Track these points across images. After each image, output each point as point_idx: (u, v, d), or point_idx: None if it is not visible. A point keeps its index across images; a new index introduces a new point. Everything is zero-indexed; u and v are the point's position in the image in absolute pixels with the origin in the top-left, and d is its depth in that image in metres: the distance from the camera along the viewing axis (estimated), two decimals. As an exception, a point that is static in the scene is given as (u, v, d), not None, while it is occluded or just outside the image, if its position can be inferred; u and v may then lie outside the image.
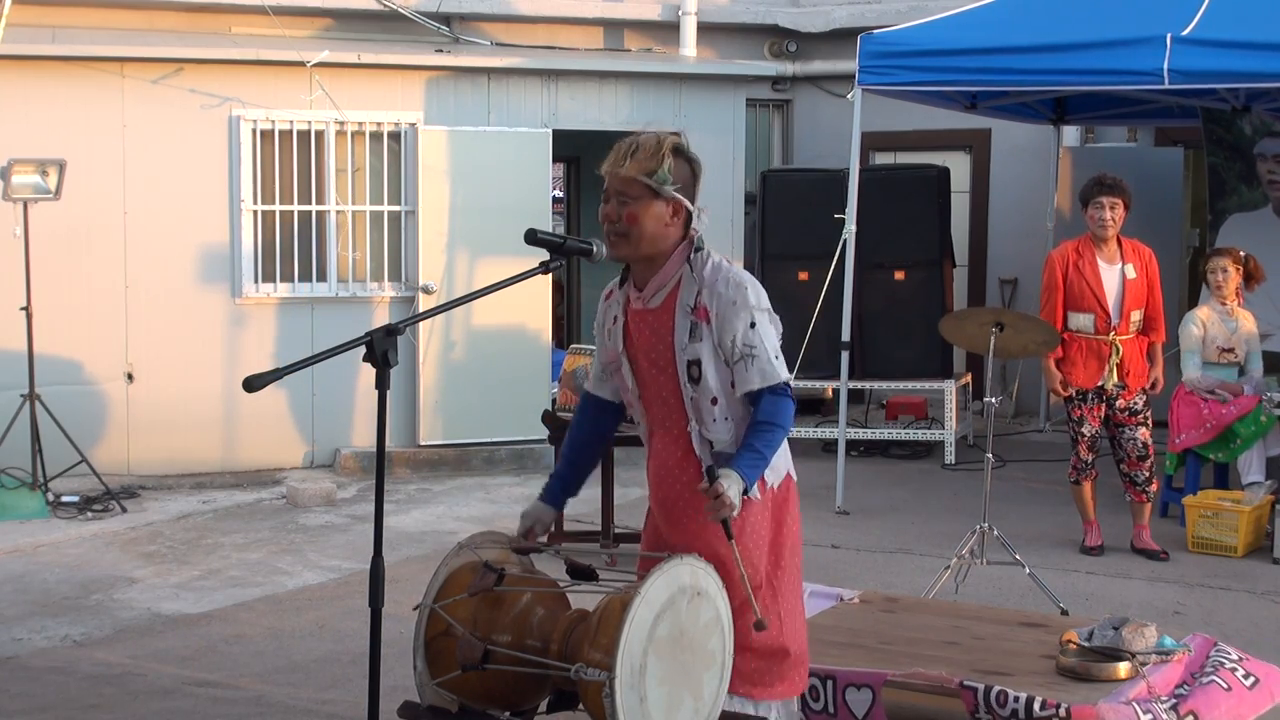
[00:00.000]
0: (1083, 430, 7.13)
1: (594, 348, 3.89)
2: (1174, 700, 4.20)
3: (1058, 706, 4.00)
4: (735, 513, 3.36)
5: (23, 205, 8.04)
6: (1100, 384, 7.07)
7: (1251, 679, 4.44)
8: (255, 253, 9.28)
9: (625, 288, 3.64)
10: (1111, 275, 7.06)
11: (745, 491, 3.39)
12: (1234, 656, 4.55)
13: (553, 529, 3.84)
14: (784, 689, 3.63)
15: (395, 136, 9.52)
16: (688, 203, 3.51)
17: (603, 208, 3.52)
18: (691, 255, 3.53)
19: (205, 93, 9.12)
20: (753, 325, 3.48)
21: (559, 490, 3.80)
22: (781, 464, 3.63)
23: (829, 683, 4.28)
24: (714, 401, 3.52)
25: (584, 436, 3.84)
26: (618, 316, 3.65)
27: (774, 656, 3.59)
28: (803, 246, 10.02)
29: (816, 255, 9.29)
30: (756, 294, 3.52)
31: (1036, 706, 4.02)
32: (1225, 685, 4.32)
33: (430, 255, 9.43)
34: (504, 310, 9.33)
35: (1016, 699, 4.04)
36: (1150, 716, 4.02)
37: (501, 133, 9.63)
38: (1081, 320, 7.07)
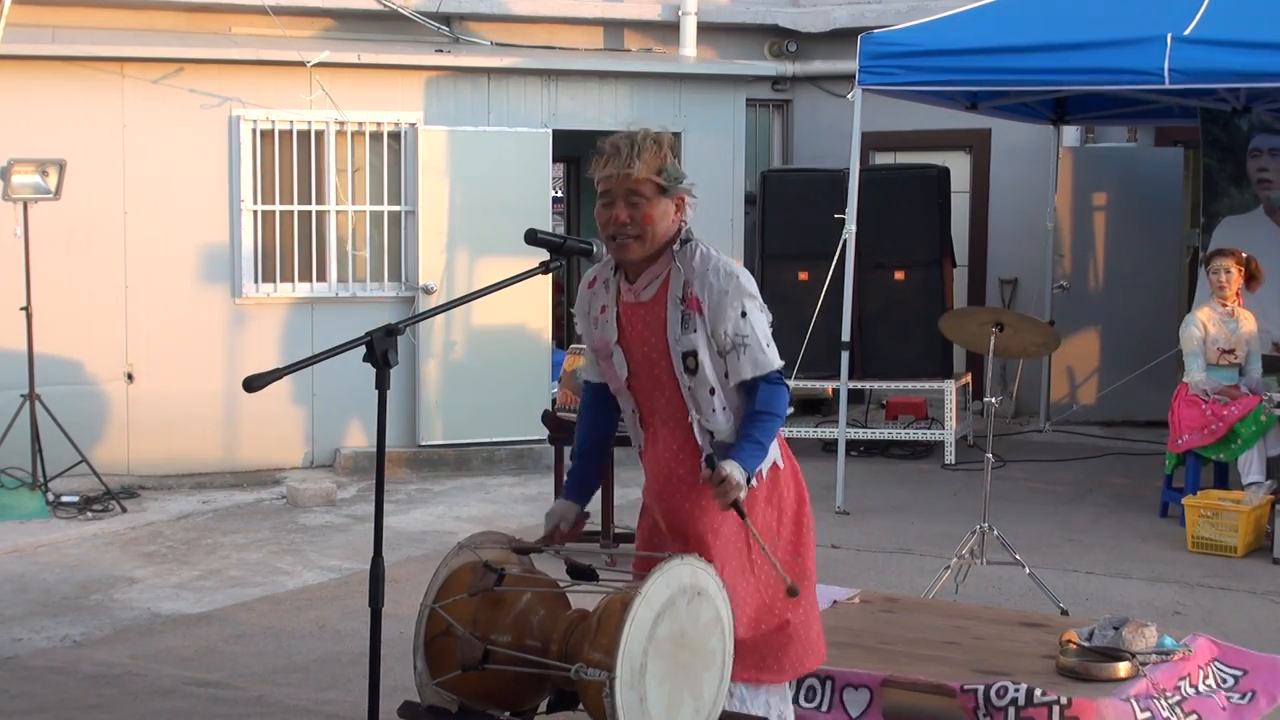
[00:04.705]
0: None
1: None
2: (1179, 698, 4.20)
3: (1057, 697, 4.01)
4: (744, 492, 3.39)
5: (23, 205, 8.04)
6: None
7: (1249, 696, 4.45)
8: (255, 253, 9.27)
9: (616, 278, 3.63)
10: None
11: (748, 481, 3.41)
12: (1236, 672, 4.55)
13: (578, 525, 3.81)
14: (774, 674, 3.62)
15: (395, 136, 9.51)
16: (690, 195, 3.53)
17: (605, 211, 3.48)
18: (677, 247, 3.54)
19: (205, 93, 9.11)
20: (744, 314, 3.50)
21: (578, 484, 3.80)
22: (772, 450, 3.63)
23: (828, 683, 4.29)
24: (711, 392, 3.54)
25: (594, 424, 3.84)
26: (606, 306, 3.64)
27: (776, 635, 3.60)
28: (803, 246, 10.01)
29: (816, 255, 9.28)
30: (747, 281, 3.53)
31: (1038, 694, 4.02)
32: (1222, 706, 4.35)
33: (430, 255, 9.43)
34: (504, 310, 9.33)
35: (1017, 687, 4.05)
36: (1149, 714, 4.03)
37: (501, 133, 9.63)
38: None
